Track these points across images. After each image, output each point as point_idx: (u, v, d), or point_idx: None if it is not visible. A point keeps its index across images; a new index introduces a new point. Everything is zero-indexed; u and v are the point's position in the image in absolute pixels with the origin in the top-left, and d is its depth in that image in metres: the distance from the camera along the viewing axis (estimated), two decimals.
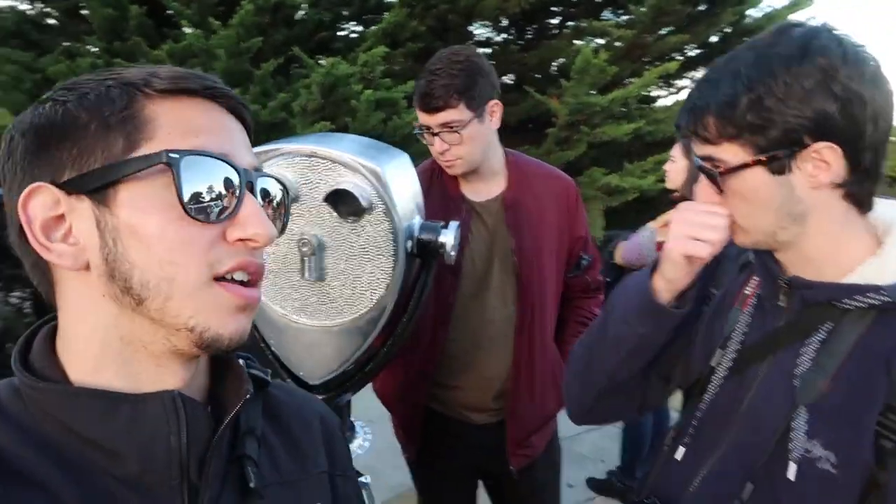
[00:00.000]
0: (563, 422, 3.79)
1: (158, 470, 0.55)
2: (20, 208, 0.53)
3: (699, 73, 8.03)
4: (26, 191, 0.53)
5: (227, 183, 0.55)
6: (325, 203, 1.09)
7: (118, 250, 0.53)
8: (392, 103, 5.05)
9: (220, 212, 0.54)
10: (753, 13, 6.84)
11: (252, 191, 0.57)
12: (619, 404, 1.14)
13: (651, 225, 2.98)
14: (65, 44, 6.47)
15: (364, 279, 1.13)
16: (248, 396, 0.61)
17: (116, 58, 5.43)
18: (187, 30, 5.71)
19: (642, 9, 6.15)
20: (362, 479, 1.39)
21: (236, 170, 0.55)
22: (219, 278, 0.55)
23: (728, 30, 6.84)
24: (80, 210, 0.53)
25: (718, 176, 0.88)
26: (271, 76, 5.35)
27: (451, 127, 1.53)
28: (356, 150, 1.11)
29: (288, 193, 0.65)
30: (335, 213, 1.10)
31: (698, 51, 7.20)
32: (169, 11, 5.85)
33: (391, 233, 1.10)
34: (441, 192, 1.67)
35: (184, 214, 0.52)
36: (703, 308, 1.06)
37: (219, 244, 0.55)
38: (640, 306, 1.00)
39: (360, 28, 7.32)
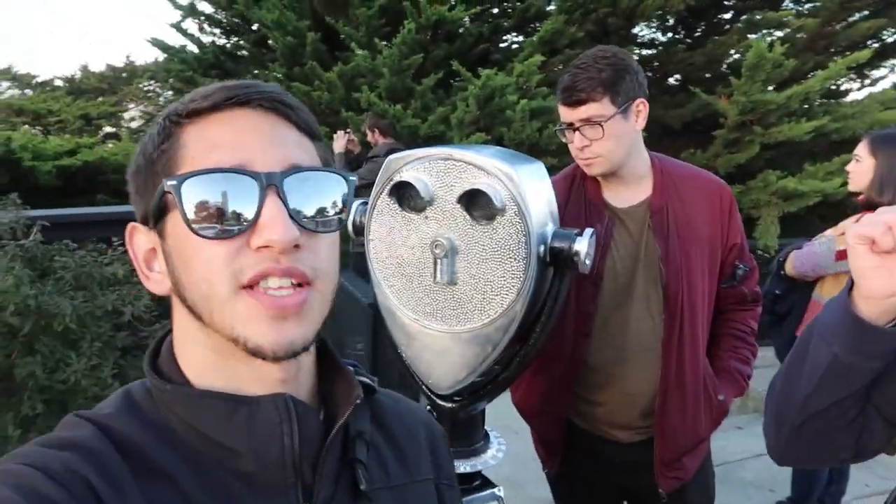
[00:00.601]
0: (730, 443, 3.52)
1: (274, 468, 0.58)
2: (128, 246, 0.62)
3: None
4: (127, 232, 0.62)
5: (241, 194, 0.54)
6: (458, 204, 1.10)
7: (177, 274, 0.58)
8: (548, 112, 5.01)
9: (234, 224, 0.54)
10: None
11: (279, 193, 0.55)
12: (822, 446, 0.95)
13: (829, 232, 2.68)
14: (255, 71, 7.22)
15: (495, 283, 1.12)
16: (358, 401, 0.63)
17: (294, 82, 5.95)
18: (357, 51, 6.11)
19: None
20: (495, 490, 1.38)
21: (252, 177, 0.55)
22: (248, 287, 0.55)
23: None
24: (157, 242, 0.60)
25: None
26: (432, 91, 5.55)
27: (593, 121, 1.48)
28: (492, 154, 1.11)
29: (349, 183, 0.61)
30: (468, 216, 1.10)
31: None
32: (341, 35, 6.30)
33: (523, 235, 1.08)
34: (581, 198, 1.61)
35: (197, 237, 0.54)
36: None
37: (243, 255, 0.55)
38: (840, 320, 0.84)
39: (520, 38, 7.38)
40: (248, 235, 0.55)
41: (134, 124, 12.53)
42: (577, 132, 1.51)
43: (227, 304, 0.55)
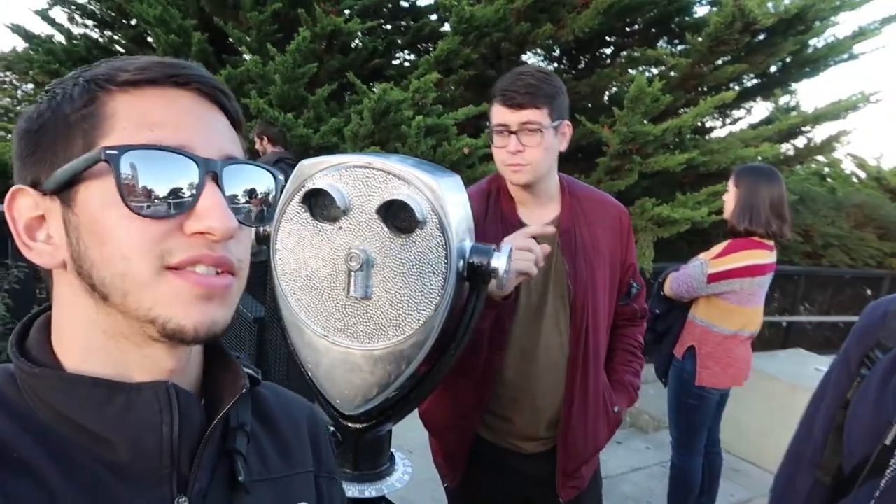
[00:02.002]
0: (611, 458, 3.66)
1: (149, 459, 0.55)
2: (6, 210, 0.56)
3: (757, 104, 7.85)
4: (9, 193, 0.56)
5: (181, 175, 0.53)
6: (376, 216, 1.04)
7: (81, 248, 0.54)
8: (443, 130, 5.05)
9: (172, 206, 0.53)
10: (816, 43, 6.65)
11: (217, 181, 0.55)
12: None
13: (701, 256, 2.88)
14: None
15: (412, 298, 1.07)
16: (243, 391, 0.62)
17: None
18: (246, 56, 5.88)
19: (699, 38, 6.04)
20: None
21: (195, 161, 0.53)
22: (174, 269, 0.53)
23: (788, 59, 6.65)
24: (53, 210, 0.55)
25: None
26: (325, 102, 5.43)
27: (533, 127, 1.49)
28: (411, 164, 1.06)
29: (277, 181, 0.62)
30: (386, 228, 1.05)
31: (756, 80, 7.02)
32: (229, 39, 6.04)
33: (444, 249, 1.05)
34: (498, 216, 1.62)
35: (129, 212, 0.52)
36: (861, 372, 0.96)
37: (173, 236, 0.53)
38: None
39: (412, 57, 7.43)
40: (182, 219, 0.53)
41: None
42: (513, 135, 1.50)
43: (148, 285, 0.53)
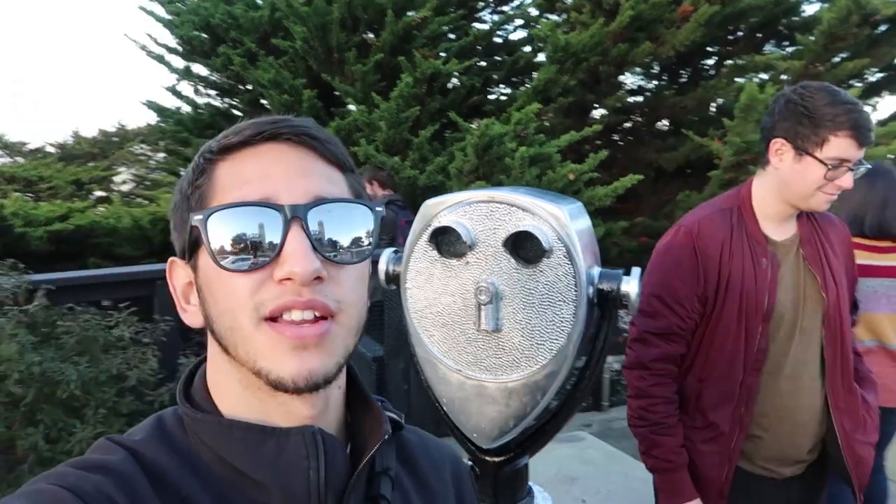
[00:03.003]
0: None
1: (298, 502, 0.56)
2: (168, 279, 0.64)
3: (883, 99, 7.27)
4: (168, 265, 0.63)
5: (266, 227, 0.55)
6: (503, 248, 1.06)
7: (207, 308, 0.59)
8: (546, 158, 5.05)
9: (258, 256, 0.55)
10: None
11: (303, 225, 0.55)
12: None
13: None
14: None
15: (543, 328, 1.07)
16: (386, 437, 0.62)
17: None
18: (352, 107, 6.18)
19: (811, 37, 5.71)
20: None
21: (276, 209, 0.55)
22: (270, 319, 0.55)
23: None
24: (192, 276, 0.61)
25: None
26: (428, 142, 5.59)
27: (853, 163, 1.51)
28: (533, 194, 1.07)
29: (375, 214, 0.61)
30: (513, 259, 1.06)
31: (881, 74, 6.52)
32: (335, 92, 6.38)
33: (573, 277, 1.04)
34: (743, 234, 1.63)
35: (220, 269, 0.55)
36: None
37: (266, 287, 0.55)
38: None
39: (508, 90, 7.51)
40: (271, 268, 0.55)
41: (125, 187, 12.52)
42: (849, 171, 1.51)
43: (249, 337, 0.55)
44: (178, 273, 0.63)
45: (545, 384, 1.11)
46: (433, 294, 1.13)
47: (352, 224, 0.59)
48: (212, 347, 0.61)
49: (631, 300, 1.09)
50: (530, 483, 1.34)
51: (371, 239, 0.60)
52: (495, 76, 7.24)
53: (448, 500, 0.72)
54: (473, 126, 5.35)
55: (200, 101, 7.94)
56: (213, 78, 7.78)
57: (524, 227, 1.03)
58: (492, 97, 7.37)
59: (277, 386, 0.55)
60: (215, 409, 0.60)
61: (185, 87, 7.94)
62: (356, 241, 0.59)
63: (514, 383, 1.11)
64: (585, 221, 1.15)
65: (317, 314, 0.55)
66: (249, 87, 7.28)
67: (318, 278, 0.55)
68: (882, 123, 6.70)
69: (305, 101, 6.02)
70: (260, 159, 0.58)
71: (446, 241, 1.11)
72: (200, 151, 0.61)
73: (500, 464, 1.22)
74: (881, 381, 2.60)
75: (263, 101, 7.09)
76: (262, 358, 0.55)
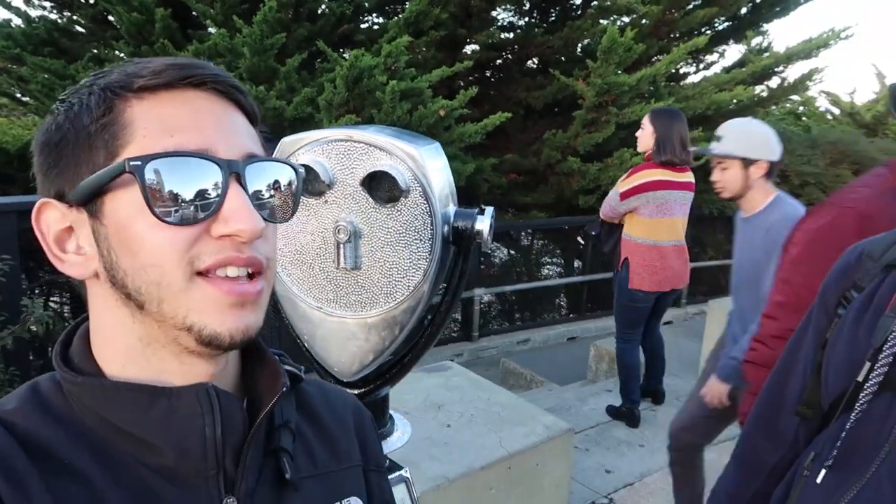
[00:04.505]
0: (600, 410, 3.77)
1: (194, 461, 0.56)
2: (34, 223, 0.57)
3: (730, 47, 7.85)
4: (35, 207, 0.56)
5: (204, 180, 0.53)
6: (360, 188, 1.07)
7: (113, 258, 0.54)
8: (417, 93, 5.02)
9: (198, 210, 0.53)
10: None
11: (241, 181, 0.54)
12: None
13: (618, 182, 3.49)
14: (94, 50, 6.59)
15: (401, 265, 1.10)
16: (284, 390, 0.61)
17: None
18: (212, 30, 5.76)
19: None
20: (403, 472, 1.38)
21: (217, 163, 0.53)
22: (204, 274, 0.53)
23: (758, 0, 6.64)
24: (82, 222, 0.55)
25: None
26: (296, 72, 5.36)
27: None
28: (391, 134, 1.08)
29: (298, 175, 0.61)
30: (371, 199, 1.08)
31: (728, 24, 7.02)
32: (193, 13, 5.90)
33: (429, 216, 1.08)
34: None
35: (156, 220, 0.52)
36: (838, 312, 0.99)
37: (202, 241, 0.53)
38: None
39: (381, 20, 7.31)
40: (209, 223, 0.53)
41: None
42: None
43: (182, 292, 0.53)
44: (51, 216, 0.56)
45: (403, 319, 1.16)
46: (292, 232, 1.13)
47: (280, 183, 0.59)
48: (103, 303, 0.56)
49: (483, 236, 1.15)
50: (391, 411, 1.41)
51: (294, 198, 0.61)
52: (367, 4, 7.00)
53: (351, 449, 0.72)
54: (346, 56, 5.19)
55: (34, 13, 7.05)
56: None
57: (381, 167, 1.05)
58: (363, 27, 7.15)
59: (211, 341, 0.53)
60: (98, 372, 0.57)
61: None
62: (284, 200, 0.60)
63: (374, 319, 1.15)
64: (442, 161, 1.18)
65: (250, 271, 0.55)
66: (92, 0, 6.56)
67: (257, 237, 0.55)
68: (727, 70, 7.26)
69: (159, 21, 5.53)
70: (189, 107, 0.55)
71: (305, 180, 1.11)
72: (103, 84, 0.55)
73: (361, 395, 1.26)
74: (667, 272, 3.49)
75: (111, 18, 6.43)
76: (194, 313, 0.53)
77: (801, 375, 1.09)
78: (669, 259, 3.46)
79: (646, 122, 3.43)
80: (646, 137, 3.42)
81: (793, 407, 1.08)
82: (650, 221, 3.40)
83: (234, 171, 0.54)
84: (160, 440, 0.55)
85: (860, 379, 0.90)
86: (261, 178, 0.57)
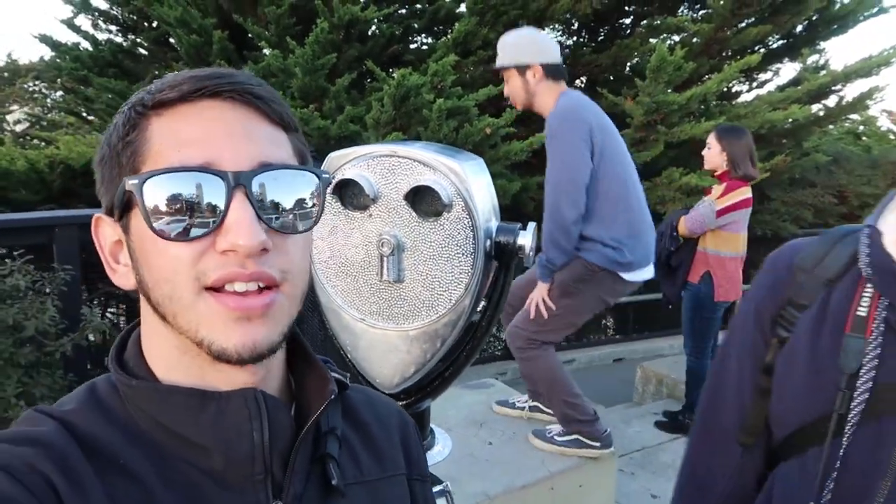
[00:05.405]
0: (642, 431, 3.69)
1: (242, 465, 0.56)
2: (94, 236, 0.60)
3: (784, 65, 7.67)
4: (92, 221, 0.60)
5: (207, 194, 0.52)
6: (404, 202, 1.09)
7: (140, 272, 0.56)
8: (464, 111, 5.06)
9: (199, 225, 0.52)
10: None
11: (248, 193, 0.53)
12: None
13: (707, 198, 3.49)
14: (156, 72, 6.88)
15: (443, 279, 1.12)
16: (332, 397, 0.61)
17: None
18: (266, 51, 5.95)
19: (720, 2, 5.93)
20: (444, 486, 1.38)
21: (219, 176, 0.52)
22: (213, 288, 0.53)
23: (814, 17, 6.49)
24: (123, 236, 0.58)
25: None
26: (346, 91, 5.47)
27: None
28: (435, 150, 1.11)
29: (322, 180, 0.58)
30: (414, 213, 1.10)
31: (782, 41, 6.87)
32: (249, 35, 6.11)
33: (471, 230, 1.09)
34: None
35: (157, 237, 0.52)
36: (778, 333, 0.90)
37: (208, 256, 0.53)
38: None
39: (430, 40, 7.41)
40: (213, 237, 0.53)
41: (19, 127, 11.62)
42: None
43: (190, 307, 0.53)
44: (105, 231, 0.59)
45: (444, 332, 1.17)
46: (337, 245, 1.16)
47: (297, 191, 0.57)
48: (146, 312, 0.58)
49: (525, 252, 1.15)
50: (432, 426, 1.42)
51: (317, 206, 0.58)
52: (416, 25, 7.11)
53: (395, 456, 0.72)
54: (393, 75, 5.27)
55: (101, 36, 7.41)
56: (114, 12, 7.26)
57: (424, 182, 1.07)
58: (413, 47, 7.26)
59: (220, 357, 0.53)
60: (151, 375, 0.58)
61: (84, 22, 7.40)
62: (302, 209, 0.57)
63: (415, 331, 1.17)
64: (485, 177, 1.19)
65: (261, 285, 0.54)
66: (155, 24, 6.85)
67: (264, 250, 0.53)
68: (781, 89, 7.09)
69: (216, 43, 5.74)
70: (200, 119, 0.54)
71: (350, 194, 1.14)
72: (131, 102, 0.56)
73: (403, 407, 1.27)
74: (738, 283, 3.50)
75: (172, 40, 6.70)
76: (203, 328, 0.53)
77: (734, 400, 0.99)
78: (740, 271, 3.60)
79: (712, 140, 3.47)
80: (713, 156, 3.47)
81: (730, 435, 0.99)
82: (738, 236, 3.49)
83: (240, 184, 0.53)
84: (210, 443, 0.55)
85: (838, 409, 0.82)
86: (276, 187, 0.55)
